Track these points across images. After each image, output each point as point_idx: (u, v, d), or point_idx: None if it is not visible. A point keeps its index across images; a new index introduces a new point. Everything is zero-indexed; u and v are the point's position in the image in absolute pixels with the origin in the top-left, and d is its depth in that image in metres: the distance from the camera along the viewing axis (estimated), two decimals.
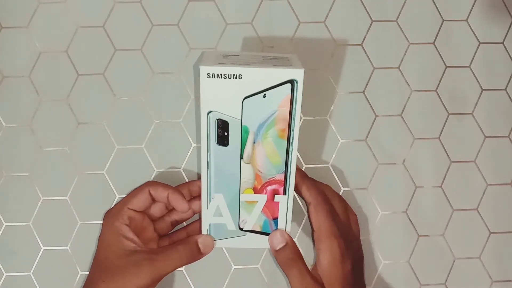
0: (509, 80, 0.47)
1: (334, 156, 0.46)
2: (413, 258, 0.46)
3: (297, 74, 0.37)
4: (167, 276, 0.44)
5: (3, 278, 0.44)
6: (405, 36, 0.46)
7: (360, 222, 0.45)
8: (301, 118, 0.46)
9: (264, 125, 0.38)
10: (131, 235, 0.39)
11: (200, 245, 0.40)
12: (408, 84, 0.46)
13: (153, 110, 0.45)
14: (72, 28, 0.45)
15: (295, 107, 0.38)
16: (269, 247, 0.41)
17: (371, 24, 0.46)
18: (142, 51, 0.45)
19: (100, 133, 0.45)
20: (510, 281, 0.46)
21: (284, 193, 0.40)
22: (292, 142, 0.39)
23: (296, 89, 0.37)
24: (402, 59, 0.46)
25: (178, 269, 0.44)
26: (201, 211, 0.41)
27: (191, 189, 0.43)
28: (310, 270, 0.40)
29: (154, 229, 0.42)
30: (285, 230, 0.41)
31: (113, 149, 0.45)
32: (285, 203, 0.40)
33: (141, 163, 0.45)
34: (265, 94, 0.37)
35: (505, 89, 0.47)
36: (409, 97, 0.46)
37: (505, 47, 0.47)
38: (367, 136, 0.46)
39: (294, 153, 0.39)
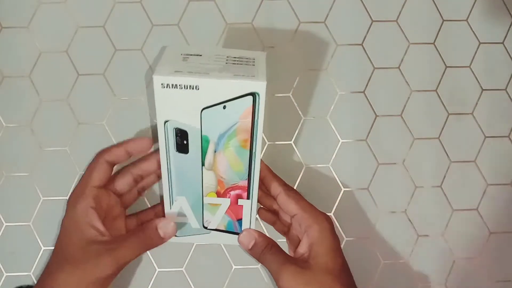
0: (509, 80, 0.47)
1: (334, 156, 0.46)
2: (413, 258, 0.46)
3: (259, 87, 0.34)
4: (167, 277, 0.44)
5: (3, 278, 0.44)
6: (405, 36, 0.46)
7: (360, 222, 0.45)
8: (301, 118, 0.46)
9: (225, 135, 0.37)
10: (96, 222, 0.38)
11: (159, 231, 0.39)
12: (408, 84, 0.46)
13: (152, 110, 0.45)
14: (72, 28, 0.45)
15: (258, 119, 0.36)
16: (234, 244, 0.41)
17: (371, 24, 0.46)
18: (142, 51, 0.45)
19: (100, 133, 0.45)
20: (510, 281, 0.46)
21: (248, 198, 0.39)
22: (255, 152, 0.37)
23: (258, 101, 0.35)
24: (402, 59, 0.46)
25: (177, 268, 0.44)
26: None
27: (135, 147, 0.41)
28: (294, 252, 0.40)
29: (121, 204, 0.41)
30: (250, 228, 0.41)
31: None
32: (249, 206, 0.40)
33: None
34: (225, 106, 0.35)
35: (505, 89, 0.47)
36: (409, 97, 0.46)
37: (505, 47, 0.47)
38: (367, 136, 0.46)
39: (258, 161, 0.38)
